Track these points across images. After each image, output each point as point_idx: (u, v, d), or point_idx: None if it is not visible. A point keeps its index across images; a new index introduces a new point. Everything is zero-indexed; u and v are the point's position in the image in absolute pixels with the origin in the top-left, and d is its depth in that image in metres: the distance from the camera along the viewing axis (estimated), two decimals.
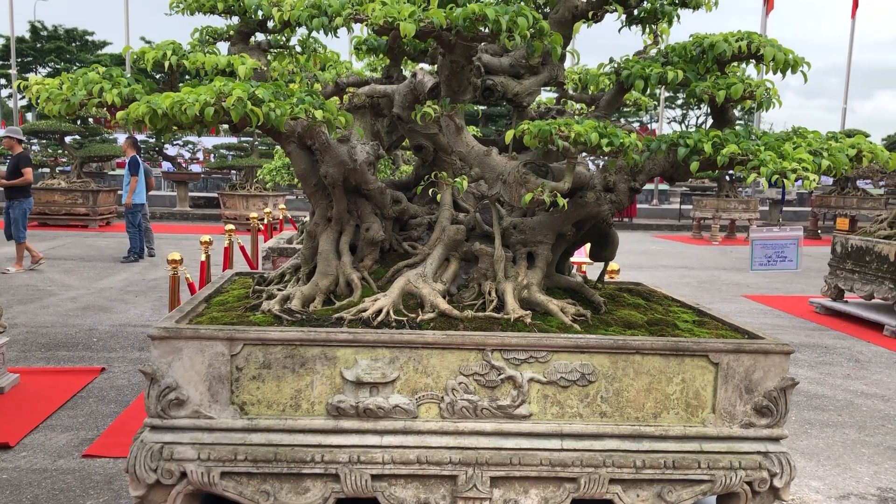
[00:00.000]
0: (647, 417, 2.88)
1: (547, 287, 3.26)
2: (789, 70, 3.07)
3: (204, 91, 2.48)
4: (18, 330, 7.64)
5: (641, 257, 15.70)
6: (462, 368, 2.80)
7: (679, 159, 2.81)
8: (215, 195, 22.42)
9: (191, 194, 23.64)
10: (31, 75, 3.47)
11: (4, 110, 35.47)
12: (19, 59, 32.59)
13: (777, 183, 2.58)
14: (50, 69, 37.45)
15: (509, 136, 2.80)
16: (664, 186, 28.55)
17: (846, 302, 10.11)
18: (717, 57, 2.97)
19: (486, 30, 2.61)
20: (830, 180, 25.03)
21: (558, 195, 2.81)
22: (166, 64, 2.79)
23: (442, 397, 2.80)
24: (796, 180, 2.58)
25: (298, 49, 3.34)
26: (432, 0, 2.74)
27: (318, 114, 2.57)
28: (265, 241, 9.92)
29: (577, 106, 3.86)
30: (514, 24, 2.54)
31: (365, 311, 2.88)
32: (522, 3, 2.62)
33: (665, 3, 3.13)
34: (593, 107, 3.79)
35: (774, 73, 3.09)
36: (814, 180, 2.57)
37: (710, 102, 2.99)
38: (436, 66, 3.23)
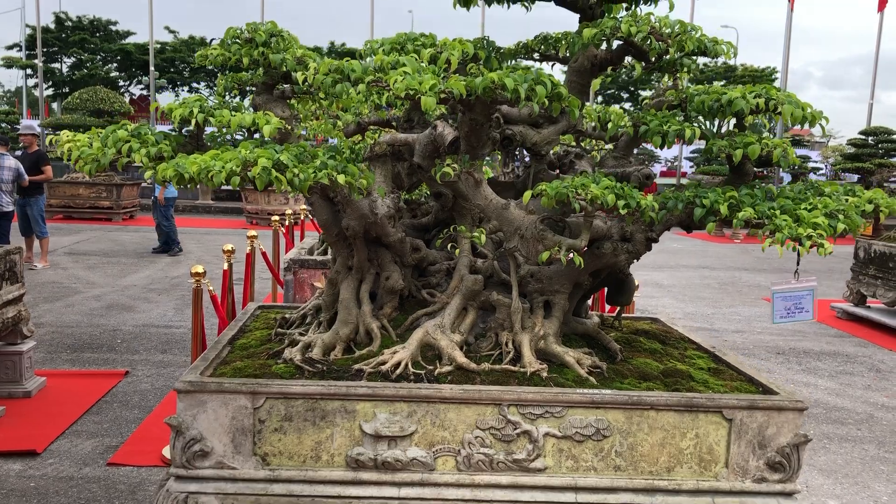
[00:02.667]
0: (660, 472, 2.93)
1: (563, 333, 3.31)
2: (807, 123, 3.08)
3: (230, 157, 2.54)
4: (45, 330, 7.82)
5: (661, 256, 15.65)
6: (479, 422, 2.86)
7: (695, 220, 2.84)
8: (237, 189, 22.58)
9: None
10: (63, 132, 3.55)
11: (30, 99, 35.94)
12: (45, 50, 32.87)
13: (793, 249, 2.61)
14: (75, 59, 37.72)
15: (527, 196, 2.84)
16: (685, 181, 28.27)
17: (868, 307, 10.06)
18: (736, 113, 2.99)
19: (506, 93, 2.64)
20: (855, 177, 24.77)
21: (575, 253, 2.85)
22: (192, 121, 2.86)
23: (459, 450, 2.87)
24: (811, 247, 2.60)
25: (321, 95, 3.38)
26: (452, 62, 2.79)
27: (341, 178, 2.62)
28: (286, 248, 10.02)
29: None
30: (533, 91, 2.58)
31: (384, 363, 2.94)
32: (541, 69, 2.66)
33: (683, 55, 3.15)
34: (612, 145, 3.82)
35: (793, 125, 3.10)
36: (829, 248, 2.59)
37: (728, 159, 3.01)
38: (456, 117, 3.28)
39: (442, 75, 2.70)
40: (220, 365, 3.10)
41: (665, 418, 2.90)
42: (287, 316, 3.61)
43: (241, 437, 2.83)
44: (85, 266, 12.09)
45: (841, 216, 2.74)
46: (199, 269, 6.33)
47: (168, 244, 13.61)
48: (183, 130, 3.01)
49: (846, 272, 10.62)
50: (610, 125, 3.26)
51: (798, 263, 3.10)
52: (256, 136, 3.02)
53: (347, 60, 2.73)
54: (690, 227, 3.18)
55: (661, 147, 2.97)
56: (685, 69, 3.19)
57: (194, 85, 38.15)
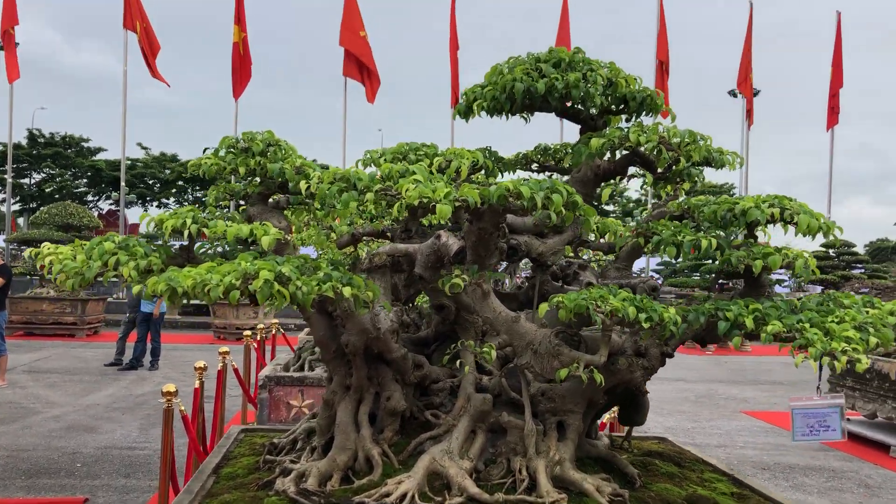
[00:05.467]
0: None
1: (577, 457, 3.08)
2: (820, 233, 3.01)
3: (228, 270, 2.36)
4: None
5: None
6: None
7: (720, 333, 2.70)
8: (205, 303, 22.15)
9: None
10: (45, 244, 3.42)
11: None
12: (15, 165, 32.80)
13: (829, 364, 2.47)
14: (45, 174, 37.72)
15: (543, 309, 2.69)
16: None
17: (848, 420, 9.89)
18: (749, 223, 2.91)
19: (520, 202, 2.53)
20: (819, 288, 25.23)
21: (595, 370, 2.68)
22: (185, 233, 2.69)
23: None
24: (848, 361, 2.46)
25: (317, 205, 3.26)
26: (462, 170, 2.69)
27: (347, 291, 2.45)
28: (257, 363, 9.65)
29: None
30: (549, 200, 2.48)
31: (388, 495, 2.67)
32: (556, 178, 2.57)
33: (690, 165, 3.10)
34: (613, 256, 3.71)
35: (805, 235, 3.02)
36: (866, 362, 2.45)
37: (746, 270, 2.91)
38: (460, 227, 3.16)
39: (452, 183, 2.58)
40: (205, 498, 2.79)
41: None
42: (276, 441, 3.33)
43: None
44: (45, 384, 11.54)
45: (871, 329, 2.62)
46: (171, 388, 5.99)
47: (138, 360, 13.26)
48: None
49: (813, 382, 10.49)
50: (618, 239, 3.16)
51: (819, 379, 2.95)
52: (252, 248, 2.85)
53: (354, 169, 2.61)
54: (706, 341, 3.04)
55: (676, 258, 2.86)
56: (692, 179, 3.13)
57: (164, 200, 38.21)
